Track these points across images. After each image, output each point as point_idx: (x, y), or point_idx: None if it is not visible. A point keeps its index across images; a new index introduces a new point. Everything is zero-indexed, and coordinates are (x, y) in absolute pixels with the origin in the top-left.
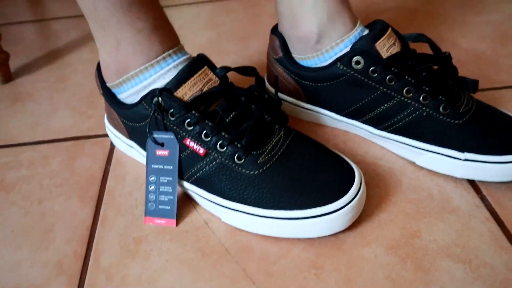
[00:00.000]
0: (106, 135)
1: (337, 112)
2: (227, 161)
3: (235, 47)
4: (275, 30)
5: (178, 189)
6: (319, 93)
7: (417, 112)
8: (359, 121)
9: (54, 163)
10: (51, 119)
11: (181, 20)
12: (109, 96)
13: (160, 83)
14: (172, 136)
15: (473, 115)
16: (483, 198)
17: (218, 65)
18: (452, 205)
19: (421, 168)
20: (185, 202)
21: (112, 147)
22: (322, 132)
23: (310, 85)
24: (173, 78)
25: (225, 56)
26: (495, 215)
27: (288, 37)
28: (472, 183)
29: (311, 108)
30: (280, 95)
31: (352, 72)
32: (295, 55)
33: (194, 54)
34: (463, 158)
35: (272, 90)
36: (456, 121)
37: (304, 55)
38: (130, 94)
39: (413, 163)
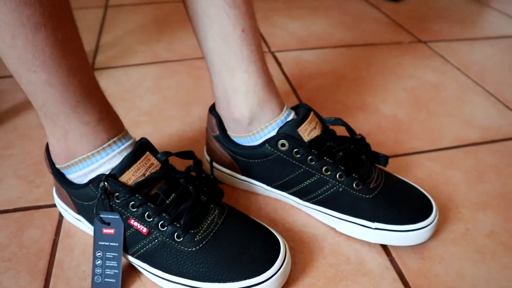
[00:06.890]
0: (54, 205)
1: (268, 184)
2: (167, 239)
3: (178, 113)
4: (212, 110)
5: (124, 261)
6: (252, 168)
7: (334, 188)
8: (287, 192)
9: (2, 236)
10: None
11: (128, 83)
12: (58, 175)
13: (106, 168)
14: (118, 217)
15: (381, 190)
16: (392, 260)
17: (163, 131)
18: (366, 268)
19: (341, 233)
20: (131, 272)
21: (61, 217)
22: (256, 200)
23: (244, 161)
24: (118, 165)
25: (169, 122)
26: (402, 276)
27: (223, 118)
28: (384, 246)
29: (245, 179)
30: (218, 166)
31: (278, 153)
32: (230, 133)
33: (139, 121)
34: (373, 227)
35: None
36: (367, 196)
37: (238, 134)
38: (78, 175)
39: (334, 229)
